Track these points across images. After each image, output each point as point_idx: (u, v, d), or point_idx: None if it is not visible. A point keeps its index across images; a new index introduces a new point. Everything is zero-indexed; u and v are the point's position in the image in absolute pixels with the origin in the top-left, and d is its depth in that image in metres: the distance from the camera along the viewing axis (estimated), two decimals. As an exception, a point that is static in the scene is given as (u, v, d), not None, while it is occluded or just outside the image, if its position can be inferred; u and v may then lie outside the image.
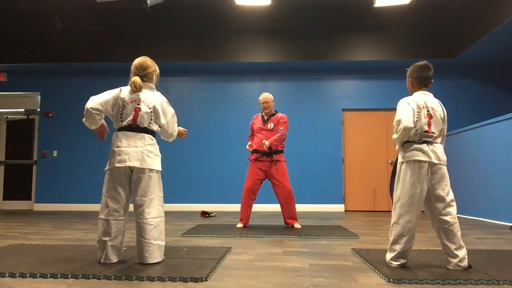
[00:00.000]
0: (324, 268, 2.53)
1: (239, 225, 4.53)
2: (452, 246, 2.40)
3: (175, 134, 2.81)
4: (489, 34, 5.86)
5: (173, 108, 2.78)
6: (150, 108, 2.62)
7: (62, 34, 7.13)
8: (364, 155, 7.57)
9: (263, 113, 4.73)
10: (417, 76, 2.60)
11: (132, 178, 2.57)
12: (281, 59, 7.26)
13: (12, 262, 2.55)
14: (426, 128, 2.46)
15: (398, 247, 2.45)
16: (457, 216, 2.46)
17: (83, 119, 2.62)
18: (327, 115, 7.65)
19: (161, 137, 2.79)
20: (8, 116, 8.29)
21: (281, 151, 4.62)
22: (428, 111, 2.48)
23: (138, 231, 2.56)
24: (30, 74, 7.90)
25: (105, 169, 2.61)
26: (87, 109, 2.57)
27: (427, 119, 2.47)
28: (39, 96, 8.04)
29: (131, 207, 2.61)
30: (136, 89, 2.63)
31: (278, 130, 4.55)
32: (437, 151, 2.46)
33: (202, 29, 7.20)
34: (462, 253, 2.39)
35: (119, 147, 2.56)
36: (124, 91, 2.65)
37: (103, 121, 2.72)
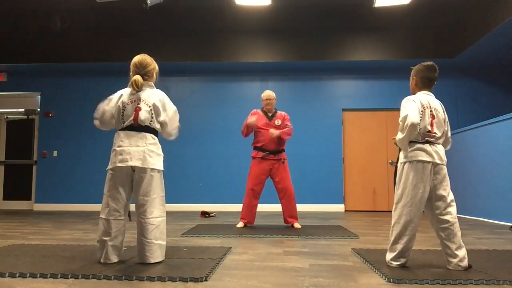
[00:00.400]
0: (324, 268, 2.53)
1: (240, 224, 4.52)
2: (453, 246, 2.40)
3: (175, 131, 2.77)
4: (489, 34, 5.86)
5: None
6: (149, 106, 2.61)
7: (62, 34, 7.12)
8: (364, 155, 7.57)
9: (264, 110, 4.71)
10: (422, 76, 2.58)
11: (134, 177, 2.57)
12: (281, 59, 7.25)
13: (12, 262, 2.55)
14: (429, 128, 2.46)
15: (398, 247, 2.45)
16: (457, 216, 2.47)
17: (102, 129, 2.77)
18: (327, 115, 7.65)
19: (162, 136, 2.78)
20: (8, 116, 8.29)
21: (284, 150, 4.64)
22: (431, 111, 2.48)
23: (140, 230, 2.55)
24: (30, 74, 7.89)
25: (107, 168, 2.60)
26: (99, 121, 2.71)
27: (430, 119, 2.47)
28: (39, 96, 8.04)
29: (132, 207, 2.61)
30: (137, 89, 2.61)
31: (286, 125, 4.61)
32: (439, 152, 2.46)
33: (202, 29, 7.20)
34: (462, 253, 2.39)
35: (120, 146, 2.56)
36: (125, 94, 2.66)
37: None
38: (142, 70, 2.67)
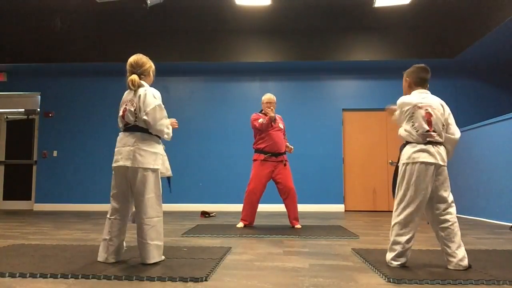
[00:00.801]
0: (324, 268, 2.53)
1: (240, 224, 4.52)
2: (453, 246, 2.40)
3: (162, 128, 2.60)
4: (489, 34, 5.86)
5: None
6: (134, 106, 2.58)
7: (62, 34, 7.13)
8: (364, 155, 7.57)
9: (264, 112, 4.68)
10: (416, 77, 2.62)
11: (128, 177, 2.58)
12: (281, 59, 7.25)
13: (12, 262, 2.55)
14: (426, 127, 2.46)
15: (398, 247, 2.45)
16: (457, 216, 2.47)
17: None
18: (327, 115, 7.65)
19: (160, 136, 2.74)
20: (8, 116, 8.29)
21: (286, 152, 4.68)
22: (426, 109, 2.48)
23: (137, 231, 2.57)
24: (30, 74, 7.89)
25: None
26: None
27: (426, 118, 2.46)
28: (39, 96, 8.03)
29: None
30: (134, 88, 2.61)
31: (284, 130, 4.70)
32: (442, 153, 2.46)
33: (202, 29, 7.20)
34: (462, 252, 2.40)
35: (117, 147, 2.63)
36: (124, 95, 2.69)
37: None
38: (138, 69, 2.68)
